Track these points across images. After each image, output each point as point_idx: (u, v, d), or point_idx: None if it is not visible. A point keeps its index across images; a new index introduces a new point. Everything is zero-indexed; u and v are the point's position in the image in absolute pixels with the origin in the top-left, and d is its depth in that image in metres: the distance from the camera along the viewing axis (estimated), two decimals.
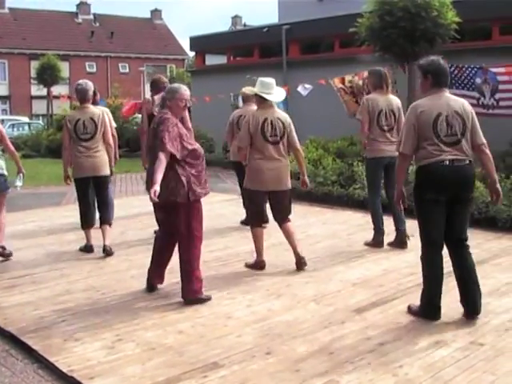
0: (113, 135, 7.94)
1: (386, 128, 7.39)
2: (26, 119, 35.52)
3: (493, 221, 8.47)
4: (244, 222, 8.95)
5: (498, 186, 5.16)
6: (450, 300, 5.45)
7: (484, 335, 4.66)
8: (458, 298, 5.28)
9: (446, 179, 4.93)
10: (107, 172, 7.56)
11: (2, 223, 7.31)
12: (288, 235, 6.66)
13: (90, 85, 7.45)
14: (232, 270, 6.67)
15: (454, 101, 5.14)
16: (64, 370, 4.15)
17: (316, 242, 7.84)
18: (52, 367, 4.25)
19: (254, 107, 7.22)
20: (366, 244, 7.63)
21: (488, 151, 5.10)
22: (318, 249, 7.52)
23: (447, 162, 4.93)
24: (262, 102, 6.58)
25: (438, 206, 4.96)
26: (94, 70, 49.94)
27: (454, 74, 11.54)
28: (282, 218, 6.67)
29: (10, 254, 7.23)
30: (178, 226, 5.54)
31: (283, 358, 4.32)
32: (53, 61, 30.18)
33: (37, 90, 35.45)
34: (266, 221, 7.64)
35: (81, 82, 7.58)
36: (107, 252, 7.27)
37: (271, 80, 6.59)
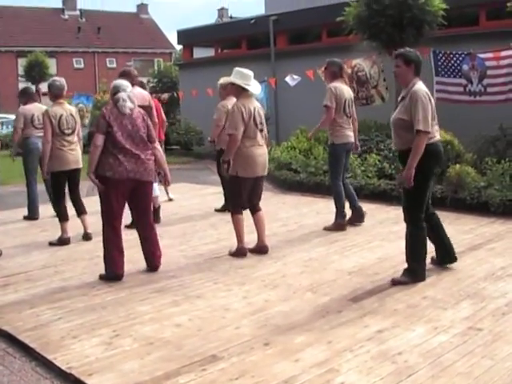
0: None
1: (349, 115, 7.85)
2: (14, 117, 35.24)
3: (485, 206, 8.49)
4: (220, 210, 9.23)
5: None
6: (447, 286, 5.50)
7: (481, 320, 4.67)
8: (454, 283, 5.33)
9: (442, 155, 5.73)
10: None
11: None
12: (261, 223, 6.94)
13: (64, 82, 7.94)
14: (226, 261, 6.65)
15: None
16: (62, 368, 4.12)
17: (310, 232, 7.84)
18: (50, 365, 4.23)
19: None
20: (327, 229, 7.87)
21: None
22: (312, 238, 7.52)
23: (439, 141, 5.70)
24: (242, 92, 6.75)
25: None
26: (82, 65, 49.61)
27: (441, 62, 11.55)
28: (258, 203, 6.96)
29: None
30: None
31: (282, 348, 4.31)
32: (41, 58, 30.05)
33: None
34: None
35: (57, 78, 8.14)
36: (89, 237, 7.82)
37: (250, 71, 6.80)
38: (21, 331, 4.80)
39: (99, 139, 5.92)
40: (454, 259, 6.01)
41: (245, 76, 6.72)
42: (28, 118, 9.35)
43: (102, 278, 6.11)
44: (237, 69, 6.84)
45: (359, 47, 12.64)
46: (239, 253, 6.83)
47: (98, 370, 4.07)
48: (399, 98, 5.72)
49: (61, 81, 7.93)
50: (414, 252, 5.67)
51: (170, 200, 10.59)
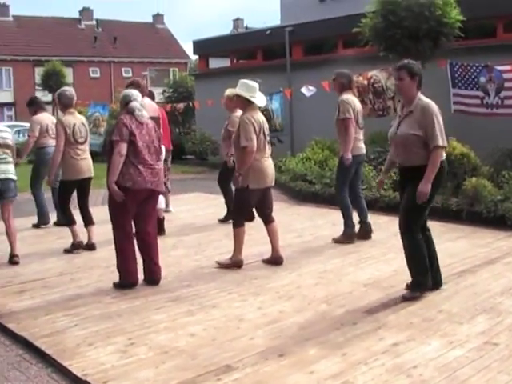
0: None
1: (361, 126, 7.82)
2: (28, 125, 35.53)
3: (502, 219, 8.43)
4: (223, 220, 9.29)
5: None
6: (462, 300, 5.46)
7: (498, 335, 4.63)
8: (470, 297, 5.30)
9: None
10: None
11: (14, 231, 7.33)
12: (275, 234, 6.91)
13: (74, 92, 8.05)
14: (241, 272, 6.66)
15: None
16: (78, 375, 4.14)
17: (325, 244, 7.83)
18: (66, 371, 4.25)
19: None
20: (336, 241, 7.84)
21: None
22: (327, 250, 7.51)
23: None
24: (248, 104, 6.70)
25: None
26: (98, 75, 50.05)
27: (457, 74, 11.53)
28: (270, 214, 6.93)
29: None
30: None
31: (296, 359, 4.31)
32: (57, 67, 30.28)
33: (41, 96, 35.45)
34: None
35: (66, 88, 8.28)
36: (94, 247, 7.82)
37: (255, 83, 6.76)
38: (37, 337, 4.82)
39: (124, 148, 5.88)
40: (438, 284, 5.73)
41: (250, 88, 6.69)
42: (43, 127, 9.46)
43: (116, 285, 6.12)
44: (242, 81, 6.80)
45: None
46: (235, 264, 6.79)
47: (113, 378, 4.09)
48: (403, 112, 5.52)
49: (70, 90, 8.03)
50: (416, 264, 5.54)
51: (166, 212, 10.40)
